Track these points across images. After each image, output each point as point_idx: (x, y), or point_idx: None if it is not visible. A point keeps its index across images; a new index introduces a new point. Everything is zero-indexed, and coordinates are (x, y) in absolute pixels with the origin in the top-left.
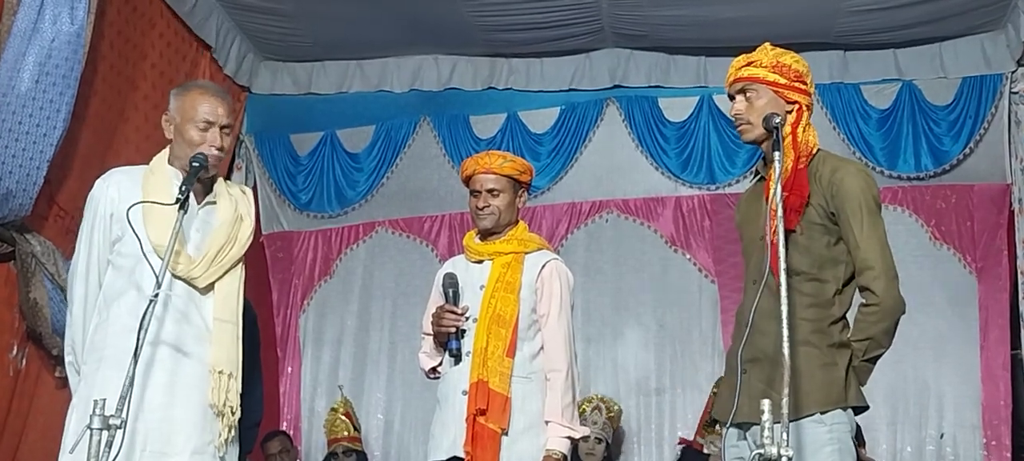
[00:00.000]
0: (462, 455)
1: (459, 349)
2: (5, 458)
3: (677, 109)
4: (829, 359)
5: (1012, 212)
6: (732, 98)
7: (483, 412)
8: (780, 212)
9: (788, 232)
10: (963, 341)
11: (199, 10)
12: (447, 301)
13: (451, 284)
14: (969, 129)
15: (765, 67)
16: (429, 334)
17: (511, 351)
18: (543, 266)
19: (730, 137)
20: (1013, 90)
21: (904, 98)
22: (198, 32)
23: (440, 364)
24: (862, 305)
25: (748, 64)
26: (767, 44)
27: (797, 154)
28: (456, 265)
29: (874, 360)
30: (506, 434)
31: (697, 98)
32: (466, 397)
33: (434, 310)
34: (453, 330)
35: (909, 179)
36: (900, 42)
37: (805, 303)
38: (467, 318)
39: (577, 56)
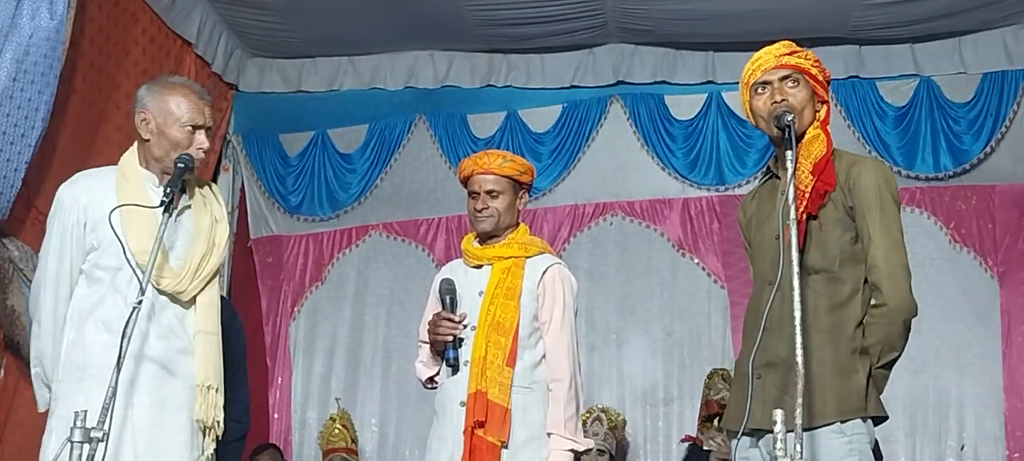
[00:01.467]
0: None
1: (457, 358)
2: None
3: (684, 106)
4: (848, 365)
5: None
6: (763, 85)
7: (482, 424)
8: (793, 214)
9: (807, 221)
10: (984, 349)
11: (183, 5)
12: (444, 308)
13: (448, 290)
14: (990, 127)
15: (810, 61)
16: (426, 342)
17: (511, 360)
18: (545, 271)
19: (740, 136)
20: None
21: (922, 95)
22: (182, 28)
23: (437, 374)
24: (871, 305)
25: (792, 53)
26: (787, 41)
27: (830, 147)
28: (454, 270)
29: (889, 366)
30: (506, 447)
31: (705, 95)
32: (464, 408)
33: (431, 317)
34: (450, 338)
35: (927, 179)
36: (918, 36)
37: (823, 305)
38: (465, 326)
39: (579, 52)
